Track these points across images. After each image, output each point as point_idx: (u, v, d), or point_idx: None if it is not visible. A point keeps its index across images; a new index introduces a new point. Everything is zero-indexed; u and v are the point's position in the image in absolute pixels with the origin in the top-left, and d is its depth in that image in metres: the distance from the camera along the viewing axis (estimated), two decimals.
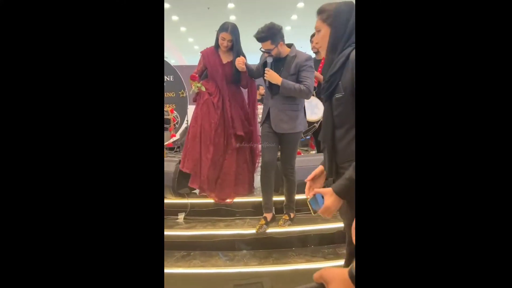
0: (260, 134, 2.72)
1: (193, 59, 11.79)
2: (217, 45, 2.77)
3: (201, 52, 2.84)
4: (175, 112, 4.09)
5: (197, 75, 2.79)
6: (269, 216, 2.62)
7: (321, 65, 3.56)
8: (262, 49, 2.44)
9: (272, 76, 2.37)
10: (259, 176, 2.68)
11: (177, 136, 4.40)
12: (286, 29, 10.34)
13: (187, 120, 5.71)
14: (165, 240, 2.62)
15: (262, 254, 2.54)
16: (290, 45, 2.49)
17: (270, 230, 2.62)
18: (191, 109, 5.94)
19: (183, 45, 11.88)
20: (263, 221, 2.59)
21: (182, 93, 6.22)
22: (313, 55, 3.69)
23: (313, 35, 3.68)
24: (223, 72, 2.76)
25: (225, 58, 2.78)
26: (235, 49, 2.72)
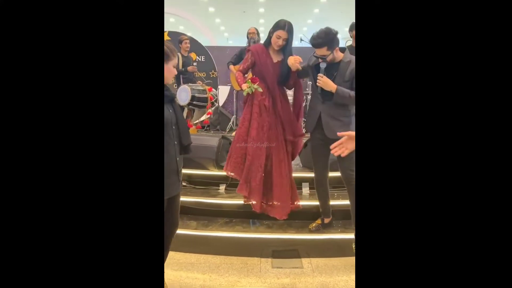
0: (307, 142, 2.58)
1: (220, 41, 11.87)
2: (267, 43, 2.59)
3: (249, 48, 2.68)
4: (213, 90, 4.26)
5: (257, 78, 2.58)
6: (327, 220, 2.68)
7: None
8: (315, 55, 2.32)
9: (327, 83, 2.27)
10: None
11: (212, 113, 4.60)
12: (314, 12, 10.28)
13: (218, 100, 5.91)
14: (208, 208, 2.88)
15: (299, 224, 2.74)
16: (343, 50, 2.35)
17: (308, 202, 2.81)
18: (222, 89, 6.13)
19: (211, 26, 11.95)
20: (319, 221, 2.67)
21: (213, 73, 6.41)
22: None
23: (353, 25, 3.69)
24: (273, 71, 2.58)
25: (276, 57, 2.60)
26: (288, 49, 2.55)
